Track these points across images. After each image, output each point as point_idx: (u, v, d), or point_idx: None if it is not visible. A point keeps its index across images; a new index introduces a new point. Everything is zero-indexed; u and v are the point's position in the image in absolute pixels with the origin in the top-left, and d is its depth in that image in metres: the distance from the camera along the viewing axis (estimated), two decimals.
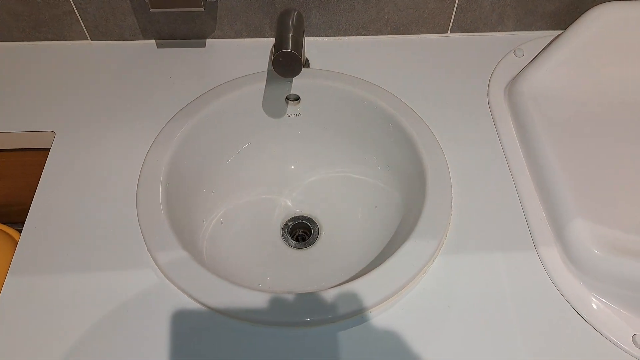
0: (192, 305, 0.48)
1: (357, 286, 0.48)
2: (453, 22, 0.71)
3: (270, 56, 0.68)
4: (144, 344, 0.45)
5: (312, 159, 0.70)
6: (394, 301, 0.49)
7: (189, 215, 0.60)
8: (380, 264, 0.50)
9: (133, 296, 0.48)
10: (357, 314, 0.47)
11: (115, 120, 0.62)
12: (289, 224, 0.67)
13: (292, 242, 0.66)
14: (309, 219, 0.68)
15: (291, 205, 0.69)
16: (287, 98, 0.66)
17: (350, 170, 0.69)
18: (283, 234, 0.67)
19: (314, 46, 0.71)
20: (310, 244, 0.66)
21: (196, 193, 0.62)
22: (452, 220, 0.55)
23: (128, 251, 0.51)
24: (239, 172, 0.67)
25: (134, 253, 0.51)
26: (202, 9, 0.58)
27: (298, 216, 0.68)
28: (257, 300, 0.47)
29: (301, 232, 0.68)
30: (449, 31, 0.72)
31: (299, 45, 0.53)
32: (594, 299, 0.50)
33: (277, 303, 0.47)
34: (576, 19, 0.66)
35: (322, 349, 0.46)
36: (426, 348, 0.46)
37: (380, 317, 0.47)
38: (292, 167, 0.70)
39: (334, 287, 0.48)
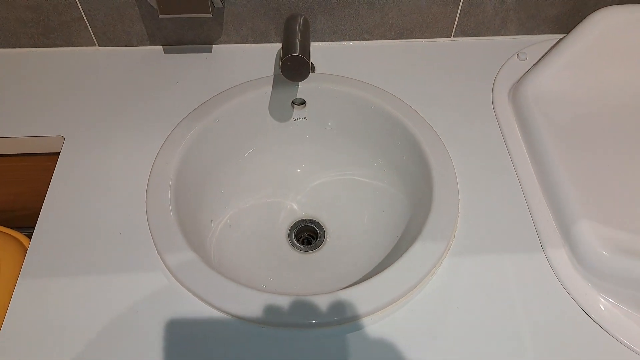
0: (202, 307, 0.48)
1: (366, 288, 0.48)
2: (456, 26, 0.72)
3: (278, 61, 0.69)
4: (153, 346, 0.45)
5: (318, 162, 0.71)
6: (403, 303, 0.49)
7: (197, 219, 0.60)
8: (388, 266, 0.50)
9: (143, 298, 0.48)
10: (366, 315, 0.47)
11: (123, 125, 0.62)
12: (295, 227, 0.68)
13: (299, 245, 0.66)
14: (315, 222, 0.68)
15: (297, 208, 0.69)
16: (293, 102, 0.67)
17: (356, 173, 0.70)
18: (289, 237, 0.67)
19: (319, 51, 0.71)
20: (316, 247, 0.66)
21: (203, 196, 0.63)
22: (459, 223, 0.55)
23: (138, 253, 0.51)
24: (246, 176, 0.68)
25: (144, 255, 0.51)
26: (210, 15, 0.58)
27: (304, 219, 0.68)
28: (266, 302, 0.47)
29: (307, 235, 0.68)
30: (452, 35, 0.73)
31: (306, 49, 0.54)
32: (602, 300, 0.50)
33: (286, 305, 0.47)
34: (579, 23, 0.67)
35: (330, 350, 0.46)
36: (435, 350, 0.46)
37: (389, 319, 0.48)
38: (298, 170, 0.71)
39: (343, 289, 0.48)
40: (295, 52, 0.53)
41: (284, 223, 0.68)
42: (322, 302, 0.47)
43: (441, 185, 0.57)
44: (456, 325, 0.48)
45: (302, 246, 0.66)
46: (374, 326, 0.47)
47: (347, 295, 0.48)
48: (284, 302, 0.47)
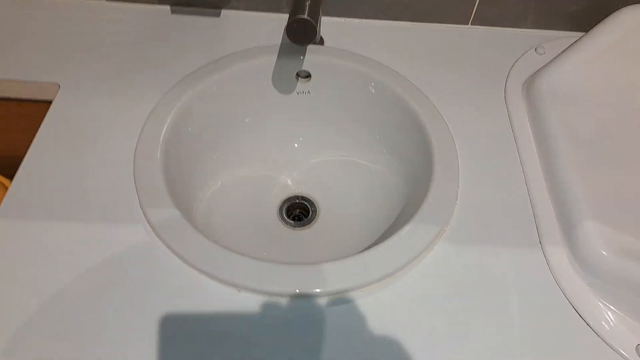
0: (180, 265, 0.46)
1: (351, 263, 0.46)
2: (475, 14, 0.70)
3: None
4: (127, 298, 0.44)
5: (317, 140, 0.68)
6: (388, 283, 0.46)
7: (186, 182, 0.58)
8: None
9: (121, 250, 0.46)
10: (348, 291, 0.45)
11: (122, 80, 0.60)
12: (287, 202, 0.66)
13: (289, 220, 0.64)
14: (308, 200, 0.66)
15: (291, 184, 0.67)
16: (298, 74, 0.65)
17: (355, 154, 0.67)
18: (280, 212, 0.65)
19: (329, 26, 0.69)
20: (306, 225, 0.64)
21: (195, 161, 0.61)
22: (456, 210, 0.53)
23: (121, 206, 0.49)
24: (241, 145, 0.66)
25: (127, 209, 0.49)
26: None
27: (297, 196, 0.66)
28: (246, 266, 0.45)
29: (298, 212, 0.66)
30: (469, 23, 0.71)
31: (315, 13, 0.52)
32: (599, 303, 0.48)
33: (266, 271, 0.45)
34: (601, 20, 0.64)
35: (307, 321, 0.43)
36: (415, 334, 0.44)
37: (372, 298, 0.45)
38: (296, 145, 0.69)
39: (327, 262, 0.46)
40: (304, 15, 0.51)
41: (276, 198, 0.66)
42: (305, 272, 0.45)
43: (441, 172, 0.54)
44: (442, 312, 0.45)
45: (292, 222, 0.64)
46: (357, 302, 0.45)
47: (331, 268, 0.46)
48: (263, 268, 0.45)
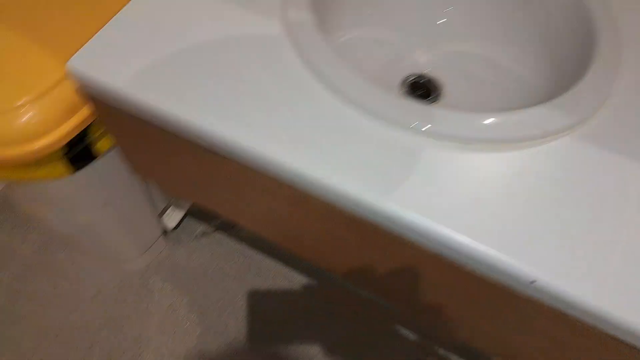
0: (298, 65, 0.47)
1: (466, 117, 0.44)
2: None
3: None
4: (239, 77, 0.46)
5: (465, 25, 0.64)
6: (497, 149, 0.43)
7: (325, 19, 0.58)
8: None
9: (250, 36, 0.49)
10: (455, 139, 0.43)
11: None
12: (413, 77, 0.63)
13: (409, 94, 0.62)
14: (436, 83, 0.63)
15: (424, 62, 0.64)
16: None
17: (502, 51, 0.62)
18: (403, 83, 0.63)
19: None
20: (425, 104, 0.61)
21: (340, 3, 0.60)
22: (601, 112, 0.46)
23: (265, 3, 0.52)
24: (385, 6, 0.64)
25: (270, 5, 0.52)
26: None
27: (425, 75, 0.63)
28: (359, 84, 0.45)
29: (421, 92, 0.64)
30: None
31: None
32: None
33: (377, 94, 0.44)
34: None
35: (399, 153, 0.43)
36: (493, 207, 0.40)
37: (476, 156, 0.43)
38: (442, 22, 0.64)
39: (444, 108, 0.44)
40: None
41: (404, 70, 0.64)
42: (414, 106, 0.44)
43: (594, 76, 0.48)
44: (535, 202, 0.41)
45: (409, 94, 0.62)
46: (460, 156, 0.43)
47: (445, 113, 0.44)
48: (376, 90, 0.45)
